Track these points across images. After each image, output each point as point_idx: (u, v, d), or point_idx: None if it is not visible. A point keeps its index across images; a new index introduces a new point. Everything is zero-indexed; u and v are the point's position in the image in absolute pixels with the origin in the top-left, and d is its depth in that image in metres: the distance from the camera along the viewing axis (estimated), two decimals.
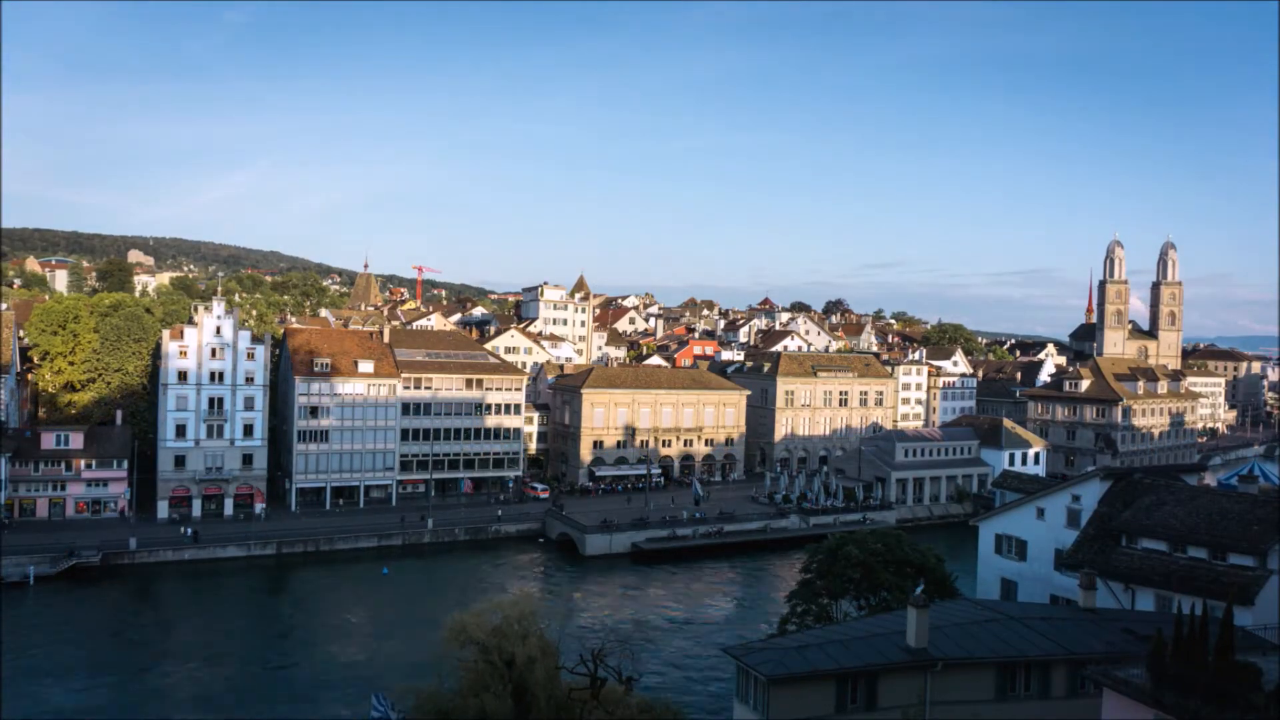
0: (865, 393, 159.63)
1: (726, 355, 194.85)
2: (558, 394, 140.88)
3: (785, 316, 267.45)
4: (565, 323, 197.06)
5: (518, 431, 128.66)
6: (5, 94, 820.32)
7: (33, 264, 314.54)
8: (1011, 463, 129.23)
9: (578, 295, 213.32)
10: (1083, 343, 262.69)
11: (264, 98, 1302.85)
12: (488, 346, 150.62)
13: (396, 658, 67.03)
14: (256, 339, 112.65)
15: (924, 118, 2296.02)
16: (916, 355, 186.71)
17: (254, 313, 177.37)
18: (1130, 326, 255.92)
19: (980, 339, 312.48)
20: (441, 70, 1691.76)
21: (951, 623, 36.24)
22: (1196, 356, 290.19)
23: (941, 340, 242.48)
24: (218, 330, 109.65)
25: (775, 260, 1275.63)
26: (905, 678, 32.84)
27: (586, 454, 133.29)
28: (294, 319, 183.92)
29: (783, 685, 31.61)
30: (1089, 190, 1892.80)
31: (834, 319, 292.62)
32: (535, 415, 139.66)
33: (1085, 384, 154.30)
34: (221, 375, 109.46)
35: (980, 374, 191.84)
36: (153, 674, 67.12)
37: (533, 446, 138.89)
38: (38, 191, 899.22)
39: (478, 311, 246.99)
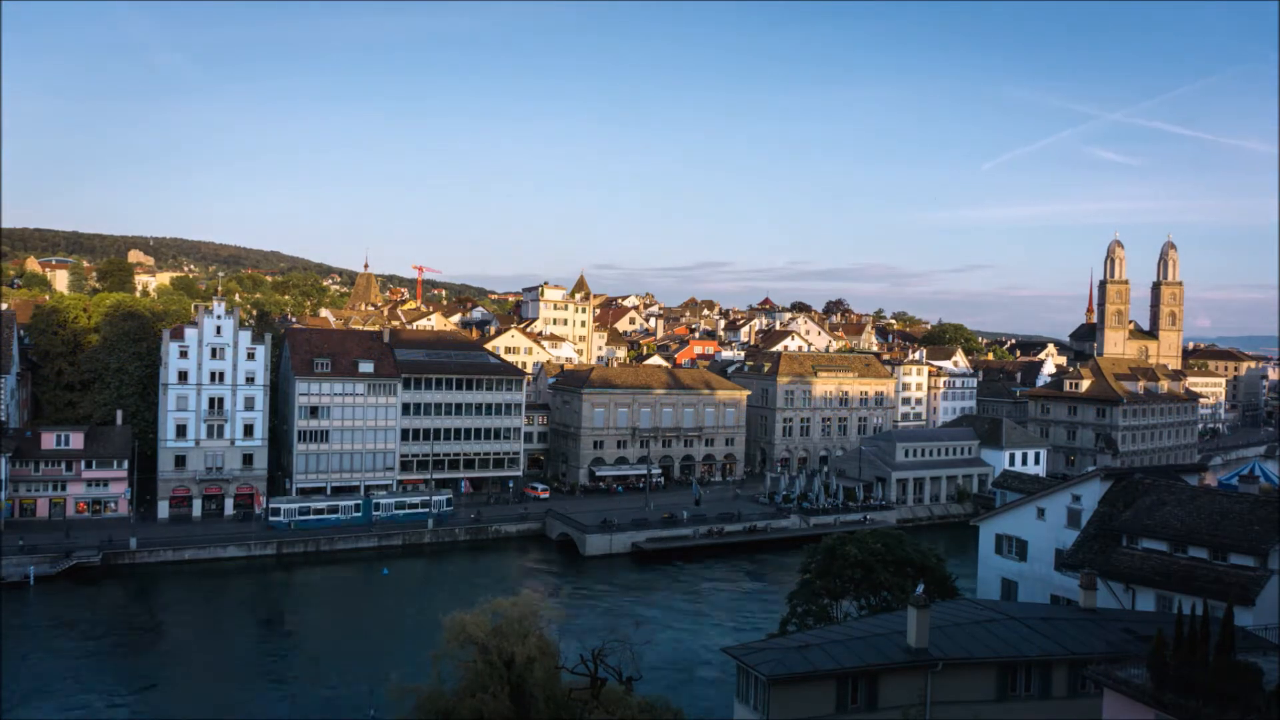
0: (865, 393, 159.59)
1: (726, 355, 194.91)
2: (558, 394, 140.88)
3: (785, 316, 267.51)
4: (565, 323, 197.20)
5: (518, 431, 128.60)
6: (5, 94, 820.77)
7: (33, 264, 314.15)
8: (1012, 463, 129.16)
9: (578, 295, 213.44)
10: (1083, 343, 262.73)
11: (264, 96, 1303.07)
12: (488, 346, 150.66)
13: (396, 658, 67.00)
14: (257, 339, 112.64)
15: (915, 117, 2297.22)
16: (916, 355, 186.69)
17: (254, 313, 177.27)
18: (1131, 326, 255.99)
19: (980, 339, 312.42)
20: (440, 70, 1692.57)
21: (952, 623, 36.21)
22: (1197, 356, 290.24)
23: (942, 340, 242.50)
24: (218, 330, 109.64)
25: (774, 258, 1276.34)
26: (906, 678, 32.82)
27: (587, 454, 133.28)
28: (294, 319, 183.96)
29: (783, 685, 31.59)
30: (1088, 190, 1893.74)
31: (834, 319, 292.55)
32: (535, 415, 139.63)
33: (1086, 384, 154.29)
34: (222, 375, 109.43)
35: (980, 374, 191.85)
36: (153, 674, 67.13)
37: (533, 446, 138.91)
38: (38, 191, 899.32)
39: (478, 311, 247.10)
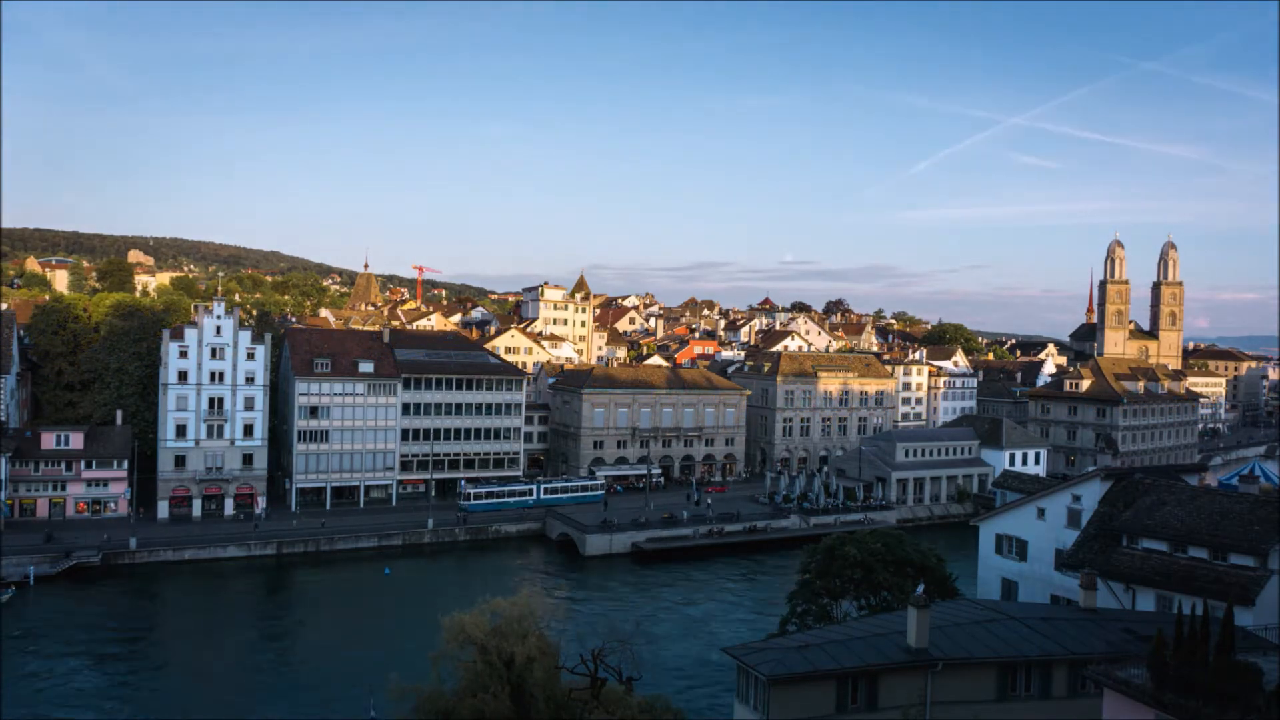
0: (865, 393, 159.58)
1: (726, 355, 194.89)
2: (558, 394, 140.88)
3: (785, 316, 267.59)
4: (565, 323, 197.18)
5: (518, 431, 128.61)
6: (5, 94, 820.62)
7: (33, 264, 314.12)
8: (1012, 463, 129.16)
9: (578, 295, 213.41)
10: (1083, 343, 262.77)
11: (264, 96, 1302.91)
12: (488, 346, 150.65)
13: (396, 658, 66.94)
14: (257, 339, 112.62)
15: (913, 119, 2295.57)
16: (917, 355, 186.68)
17: (254, 313, 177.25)
18: (1131, 326, 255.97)
19: (980, 339, 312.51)
20: (440, 70, 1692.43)
21: (952, 623, 36.18)
22: (1197, 356, 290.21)
23: (942, 340, 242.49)
24: (218, 330, 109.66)
25: (773, 254, 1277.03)
26: (906, 678, 32.80)
27: (587, 454, 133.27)
28: (294, 319, 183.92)
29: (783, 685, 31.56)
30: (1088, 190, 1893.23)
31: (834, 319, 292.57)
32: (535, 415, 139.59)
33: (1086, 384, 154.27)
34: (222, 375, 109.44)
35: (980, 374, 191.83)
36: (152, 674, 67.12)
37: (533, 446, 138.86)
38: (38, 191, 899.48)
39: (478, 312, 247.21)
